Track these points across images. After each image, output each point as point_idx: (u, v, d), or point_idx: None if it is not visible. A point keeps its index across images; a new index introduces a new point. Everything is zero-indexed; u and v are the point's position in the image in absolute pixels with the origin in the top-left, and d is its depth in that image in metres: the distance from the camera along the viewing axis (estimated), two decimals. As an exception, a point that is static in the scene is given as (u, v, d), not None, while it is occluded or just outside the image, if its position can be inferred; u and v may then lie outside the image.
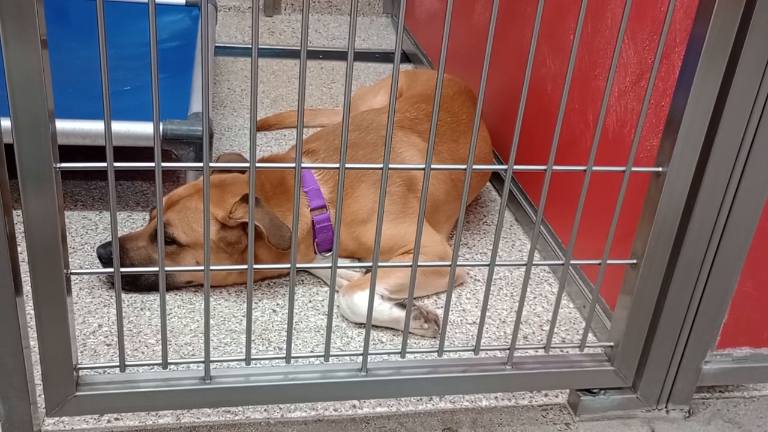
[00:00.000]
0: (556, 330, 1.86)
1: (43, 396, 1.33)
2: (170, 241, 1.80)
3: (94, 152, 1.86)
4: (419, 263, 1.36)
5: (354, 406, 1.57)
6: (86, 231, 2.09)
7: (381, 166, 1.23)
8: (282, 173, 1.91)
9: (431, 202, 1.99)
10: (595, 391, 1.58)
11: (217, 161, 2.04)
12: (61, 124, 1.81)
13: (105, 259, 1.82)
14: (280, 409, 1.54)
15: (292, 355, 1.40)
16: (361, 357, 1.43)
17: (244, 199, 1.77)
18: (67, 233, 2.01)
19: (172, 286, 1.87)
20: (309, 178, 1.90)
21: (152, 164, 1.14)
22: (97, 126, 2.00)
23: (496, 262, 1.38)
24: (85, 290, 1.85)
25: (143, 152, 1.87)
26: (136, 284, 1.85)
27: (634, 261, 1.44)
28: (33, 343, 1.32)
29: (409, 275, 1.79)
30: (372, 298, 1.37)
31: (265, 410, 1.53)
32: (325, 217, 1.89)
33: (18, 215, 1.21)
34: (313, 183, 1.90)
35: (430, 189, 1.96)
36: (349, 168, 1.26)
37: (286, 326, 1.77)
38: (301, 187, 1.88)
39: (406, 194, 1.94)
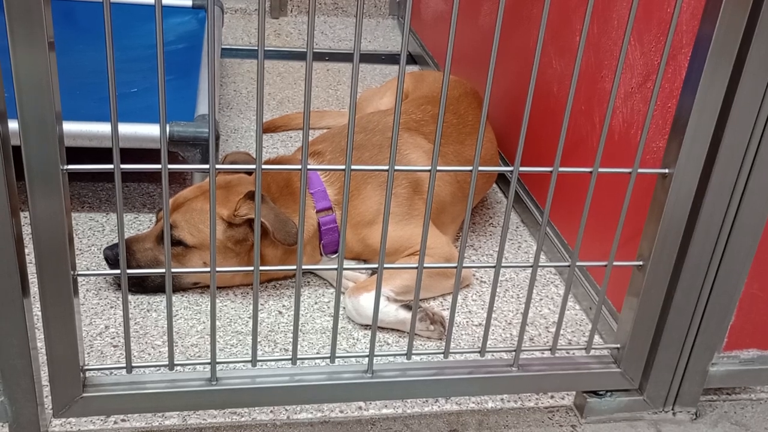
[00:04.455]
0: (562, 332, 1.86)
1: (50, 397, 1.33)
2: (177, 242, 1.80)
3: (101, 154, 1.88)
4: (425, 265, 1.35)
5: (360, 408, 1.57)
6: (93, 232, 2.10)
7: (387, 168, 1.23)
8: (288, 175, 1.91)
9: (437, 203, 1.99)
10: (601, 393, 1.58)
11: (224, 160, 2.04)
12: (69, 126, 1.83)
13: (112, 261, 1.82)
14: (286, 410, 1.54)
15: (298, 356, 1.40)
16: (367, 359, 1.43)
17: (249, 195, 1.78)
18: (74, 235, 2.02)
19: (179, 288, 1.88)
20: (315, 180, 1.91)
21: (159, 166, 1.15)
22: (104, 128, 2.01)
23: (502, 264, 1.38)
24: (92, 292, 1.85)
25: (150, 154, 1.87)
26: (143, 285, 1.85)
27: (641, 263, 1.43)
28: (40, 344, 1.32)
29: (414, 277, 1.80)
30: (378, 300, 1.37)
31: (271, 411, 1.53)
32: (331, 218, 1.89)
33: (25, 217, 1.21)
34: (320, 185, 1.90)
35: (435, 190, 1.96)
36: (355, 170, 1.26)
37: (292, 328, 1.77)
38: (307, 189, 1.88)
39: (412, 196, 1.94)
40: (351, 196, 1.90)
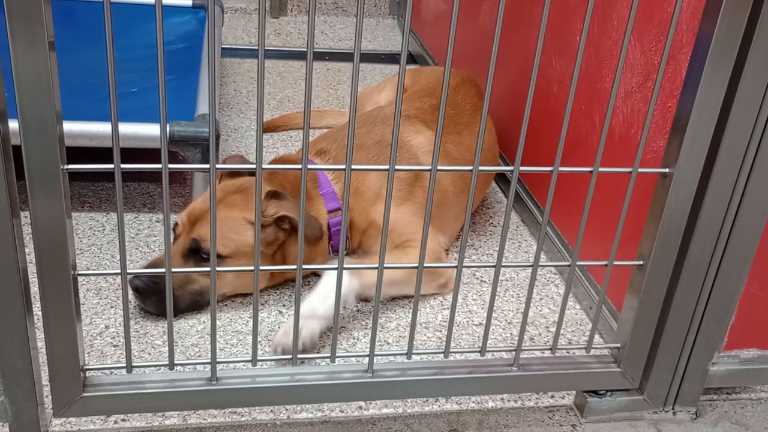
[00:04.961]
0: (562, 331, 1.86)
1: (50, 397, 1.33)
2: (209, 256, 1.74)
3: (101, 154, 1.88)
4: (425, 265, 1.35)
5: (360, 407, 1.57)
6: (93, 232, 2.10)
7: (387, 167, 1.23)
8: (300, 175, 1.90)
9: (440, 193, 2.00)
10: (601, 392, 1.58)
11: (223, 163, 2.04)
12: (69, 126, 1.83)
13: (142, 290, 1.73)
14: (287, 410, 1.54)
15: (298, 356, 1.40)
16: (367, 358, 1.43)
17: (271, 195, 1.77)
18: (75, 234, 2.02)
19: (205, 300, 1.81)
20: (324, 180, 1.91)
21: (159, 166, 1.15)
22: (104, 127, 2.01)
23: (503, 264, 1.37)
24: (92, 291, 1.85)
25: (150, 154, 1.87)
26: (177, 307, 1.75)
27: (641, 262, 1.43)
28: (40, 344, 1.32)
29: (395, 273, 1.79)
30: (378, 296, 1.37)
31: (271, 411, 1.53)
32: (340, 219, 1.89)
33: (26, 216, 1.21)
34: (328, 185, 1.91)
35: (436, 180, 1.97)
36: (356, 169, 1.26)
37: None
38: (317, 190, 1.90)
39: (414, 182, 1.96)
40: (358, 181, 1.92)
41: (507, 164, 2.51)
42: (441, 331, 1.82)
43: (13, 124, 1.10)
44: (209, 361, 1.36)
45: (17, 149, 1.12)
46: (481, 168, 1.27)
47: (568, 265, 1.42)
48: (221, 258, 1.76)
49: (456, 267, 1.36)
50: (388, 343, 1.77)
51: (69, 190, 1.18)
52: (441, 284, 1.95)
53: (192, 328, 1.76)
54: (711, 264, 1.44)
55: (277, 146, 2.71)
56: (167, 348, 1.34)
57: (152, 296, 1.75)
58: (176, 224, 1.82)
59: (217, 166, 1.19)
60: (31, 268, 1.22)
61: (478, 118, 2.26)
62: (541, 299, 1.99)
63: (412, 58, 3.69)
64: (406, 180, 1.96)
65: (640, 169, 1.33)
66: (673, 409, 1.62)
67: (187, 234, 1.78)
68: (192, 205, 1.85)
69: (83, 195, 2.27)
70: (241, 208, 1.78)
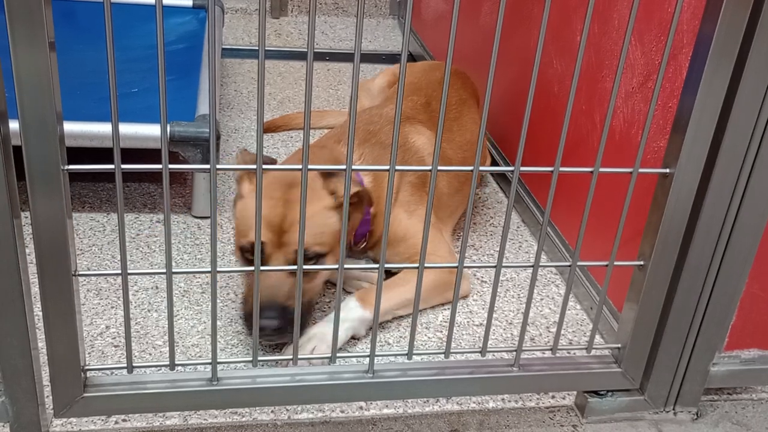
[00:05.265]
0: (563, 332, 1.86)
1: (51, 397, 1.33)
2: (314, 256, 1.68)
3: (102, 154, 1.88)
4: (426, 265, 1.35)
5: (361, 408, 1.57)
6: (94, 232, 2.10)
7: (388, 167, 1.24)
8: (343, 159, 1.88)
9: (435, 196, 2.00)
10: (602, 392, 1.58)
11: (237, 158, 2.01)
12: (69, 126, 1.83)
13: (280, 328, 1.60)
14: (287, 410, 1.54)
15: (299, 356, 1.40)
16: (367, 359, 1.43)
17: (329, 175, 1.72)
18: (75, 235, 2.02)
19: (314, 306, 1.79)
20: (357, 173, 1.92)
21: (160, 166, 1.15)
22: (104, 128, 2.01)
23: (503, 264, 1.37)
24: (93, 292, 1.85)
25: (150, 154, 1.87)
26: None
27: (642, 262, 1.43)
28: (41, 344, 1.32)
29: (408, 295, 1.79)
30: (379, 299, 1.37)
31: (272, 411, 1.53)
32: (366, 210, 1.88)
33: (26, 217, 1.21)
34: (360, 177, 1.90)
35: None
36: (356, 170, 1.27)
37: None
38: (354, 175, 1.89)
39: (421, 186, 1.96)
40: (384, 182, 1.91)
41: (506, 164, 2.51)
42: (442, 332, 1.82)
43: (14, 125, 1.10)
44: (210, 361, 1.36)
45: (18, 149, 1.12)
46: (481, 168, 1.27)
47: (569, 266, 1.42)
48: (322, 256, 1.69)
49: (456, 267, 1.36)
50: (389, 344, 1.77)
51: (69, 190, 1.18)
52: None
53: (192, 328, 1.76)
54: (712, 264, 1.43)
55: (277, 146, 2.71)
56: (168, 348, 1.34)
57: (288, 327, 1.59)
58: (263, 243, 1.63)
59: (218, 166, 1.19)
60: (32, 268, 1.22)
61: (465, 111, 2.27)
62: (541, 299, 1.99)
63: (413, 58, 3.69)
64: (416, 185, 1.96)
65: (641, 170, 1.33)
66: (673, 409, 1.62)
67: (282, 249, 1.65)
68: (264, 215, 1.59)
69: (84, 195, 2.27)
70: (314, 199, 1.68)
